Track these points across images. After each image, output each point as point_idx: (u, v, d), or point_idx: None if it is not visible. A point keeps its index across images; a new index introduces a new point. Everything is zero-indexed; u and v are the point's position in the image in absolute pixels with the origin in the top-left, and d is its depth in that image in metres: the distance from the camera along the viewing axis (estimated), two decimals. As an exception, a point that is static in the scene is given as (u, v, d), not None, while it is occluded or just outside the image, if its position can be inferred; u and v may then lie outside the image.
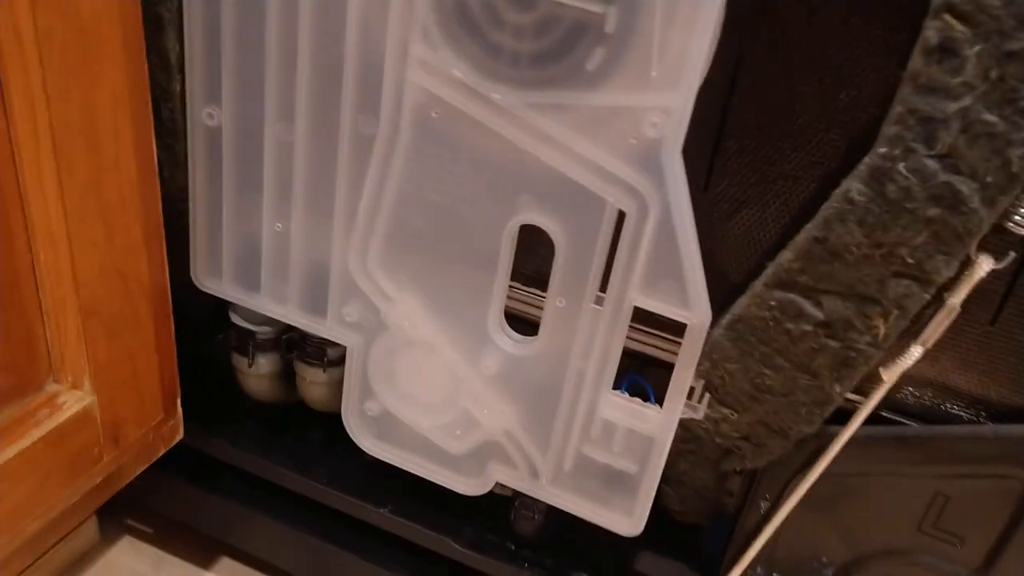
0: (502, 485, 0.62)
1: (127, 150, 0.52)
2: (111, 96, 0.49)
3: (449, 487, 0.62)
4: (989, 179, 0.40)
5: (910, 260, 0.44)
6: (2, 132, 0.46)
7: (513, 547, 0.67)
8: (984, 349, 0.48)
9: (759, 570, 0.59)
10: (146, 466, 0.66)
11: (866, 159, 0.42)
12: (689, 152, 0.45)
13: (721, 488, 0.59)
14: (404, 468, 0.63)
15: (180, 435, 0.68)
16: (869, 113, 0.44)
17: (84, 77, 0.47)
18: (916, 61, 0.39)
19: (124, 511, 0.81)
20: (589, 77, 0.45)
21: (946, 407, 0.51)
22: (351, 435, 0.63)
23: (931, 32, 0.39)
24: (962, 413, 0.51)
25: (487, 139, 0.49)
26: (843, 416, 0.51)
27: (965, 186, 0.41)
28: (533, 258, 0.55)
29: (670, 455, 0.55)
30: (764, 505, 0.56)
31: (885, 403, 0.52)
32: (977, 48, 0.38)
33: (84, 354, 0.54)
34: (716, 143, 0.49)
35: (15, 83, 0.45)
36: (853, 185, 0.43)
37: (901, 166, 0.41)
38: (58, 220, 0.49)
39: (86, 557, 0.79)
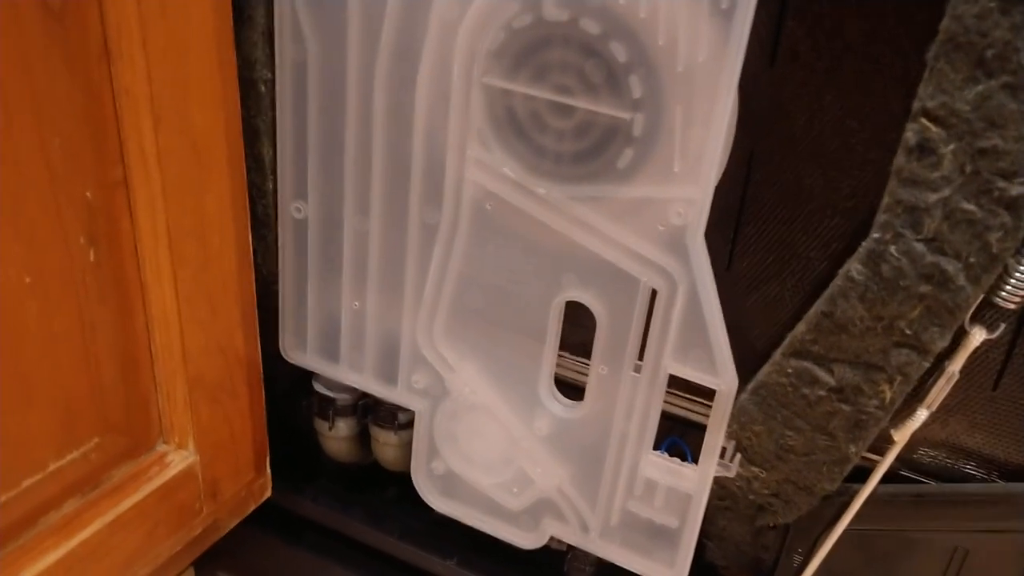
0: (557, 540, 0.67)
1: (229, 243, 0.60)
2: (216, 199, 0.58)
3: (508, 541, 0.67)
4: (972, 259, 0.45)
5: (908, 332, 0.48)
6: (128, 233, 0.55)
7: (569, 598, 0.72)
8: (988, 412, 0.52)
9: (796, 621, 0.63)
10: (239, 520, 0.73)
11: (864, 242, 0.48)
12: (712, 236, 0.51)
13: (758, 543, 0.63)
14: (467, 523, 0.68)
15: (269, 492, 0.75)
16: (867, 201, 0.50)
17: (195, 184, 0.56)
18: (900, 158, 0.45)
19: (217, 563, 0.87)
20: (621, 173, 0.51)
21: (959, 466, 0.55)
22: (420, 492, 0.69)
23: (910, 134, 0.44)
24: (975, 472, 0.55)
25: (535, 227, 0.55)
26: (865, 475, 0.55)
27: (951, 266, 0.46)
28: (579, 330, 0.60)
29: (710, 512, 0.60)
30: (797, 558, 0.60)
31: (905, 463, 0.56)
32: (952, 147, 0.43)
33: (189, 419, 0.62)
34: (736, 228, 0.55)
35: (140, 192, 0.54)
36: (853, 266, 0.48)
37: (893, 249, 0.46)
38: (172, 305, 0.57)
39: (182, 606, 0.86)
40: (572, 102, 0.51)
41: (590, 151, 0.52)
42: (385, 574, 0.78)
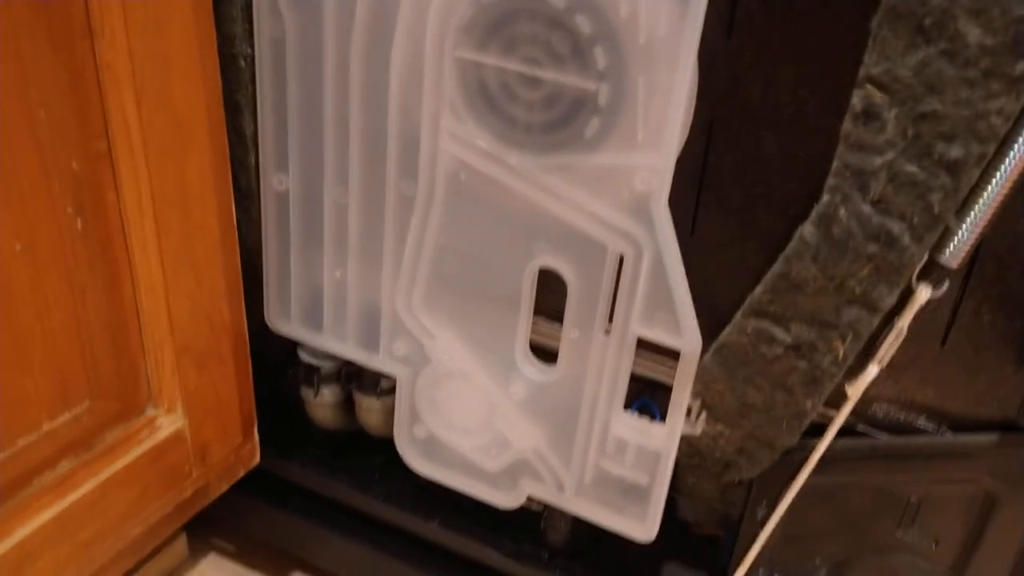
0: (536, 501, 0.69)
1: (211, 214, 0.62)
2: (198, 171, 0.60)
3: (487, 501, 0.69)
4: (916, 220, 0.47)
5: (858, 290, 0.50)
6: (113, 203, 0.57)
7: (547, 556, 0.74)
8: (938, 368, 0.54)
9: (762, 572, 0.65)
10: (229, 485, 0.75)
11: (816, 206, 0.50)
12: (676, 202, 0.53)
13: (725, 498, 0.65)
14: (448, 485, 0.70)
15: (257, 459, 0.77)
16: (821, 166, 0.52)
17: (177, 157, 0.58)
18: (847, 124, 0.47)
19: (210, 530, 0.90)
20: (588, 142, 0.53)
21: (911, 420, 0.57)
22: (402, 456, 0.71)
23: (856, 100, 0.46)
24: (926, 425, 0.57)
25: (506, 196, 0.57)
26: (823, 430, 0.57)
27: (896, 226, 0.48)
28: (552, 296, 0.63)
29: (680, 470, 0.62)
30: (761, 512, 0.63)
31: (862, 419, 0.58)
32: (895, 111, 0.45)
33: (177, 384, 0.64)
34: (698, 194, 0.57)
35: (124, 163, 0.56)
36: (806, 228, 0.50)
37: (842, 211, 0.49)
38: (157, 273, 0.60)
39: (176, 572, 0.88)
40: (540, 74, 0.53)
41: (559, 121, 0.54)
42: (371, 536, 0.80)
